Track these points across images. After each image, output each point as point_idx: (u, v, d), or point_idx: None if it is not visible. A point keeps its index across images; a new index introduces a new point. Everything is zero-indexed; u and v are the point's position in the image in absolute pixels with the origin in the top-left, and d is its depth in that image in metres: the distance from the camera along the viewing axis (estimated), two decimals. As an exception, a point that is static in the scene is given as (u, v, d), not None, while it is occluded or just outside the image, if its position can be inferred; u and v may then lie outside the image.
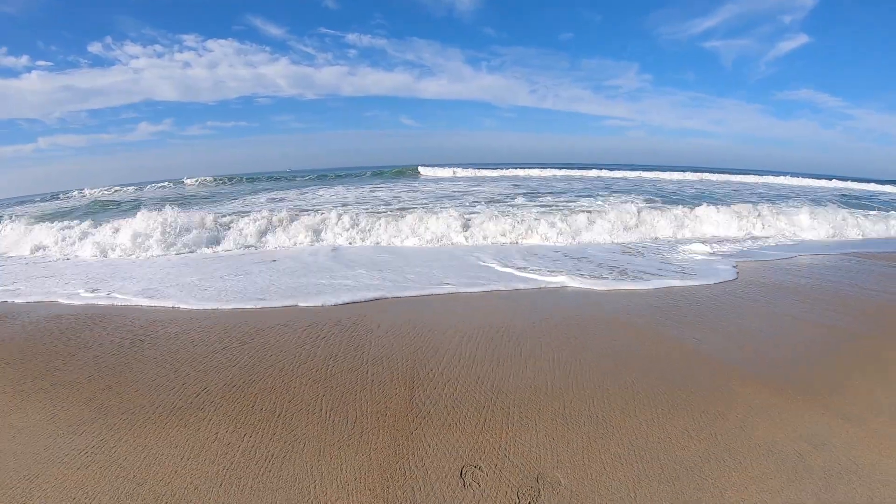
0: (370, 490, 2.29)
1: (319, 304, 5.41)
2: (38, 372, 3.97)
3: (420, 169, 37.87)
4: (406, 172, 36.68)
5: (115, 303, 5.91)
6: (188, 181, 37.49)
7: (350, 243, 9.61)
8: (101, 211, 18.65)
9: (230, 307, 5.47)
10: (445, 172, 35.66)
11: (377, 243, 9.61)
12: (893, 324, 4.72)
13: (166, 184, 36.77)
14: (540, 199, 16.60)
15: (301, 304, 5.49)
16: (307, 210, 12.08)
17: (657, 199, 16.55)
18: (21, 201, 31.53)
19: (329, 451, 2.62)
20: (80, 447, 2.85)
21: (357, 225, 10.21)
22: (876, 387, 3.38)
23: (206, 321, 5.01)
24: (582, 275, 6.45)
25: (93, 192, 33.47)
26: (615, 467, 2.42)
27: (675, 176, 34.59)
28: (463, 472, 2.37)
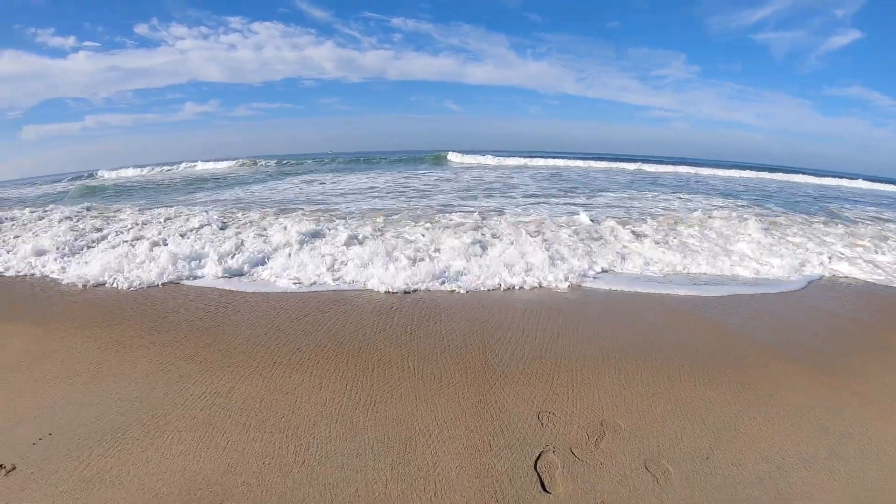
0: (465, 426, 3.01)
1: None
2: (135, 332, 4.72)
3: (455, 156, 38.13)
4: (442, 158, 37.25)
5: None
6: (184, 165, 38.81)
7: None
8: (78, 196, 19.51)
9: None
10: (488, 160, 35.85)
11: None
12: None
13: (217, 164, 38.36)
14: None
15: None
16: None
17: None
18: (56, 179, 33.31)
19: (424, 398, 3.34)
20: (196, 393, 3.58)
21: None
22: (889, 373, 4.01)
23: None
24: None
25: (129, 172, 35.27)
26: (665, 419, 3.11)
27: (725, 173, 33.23)
28: (540, 416, 3.08)
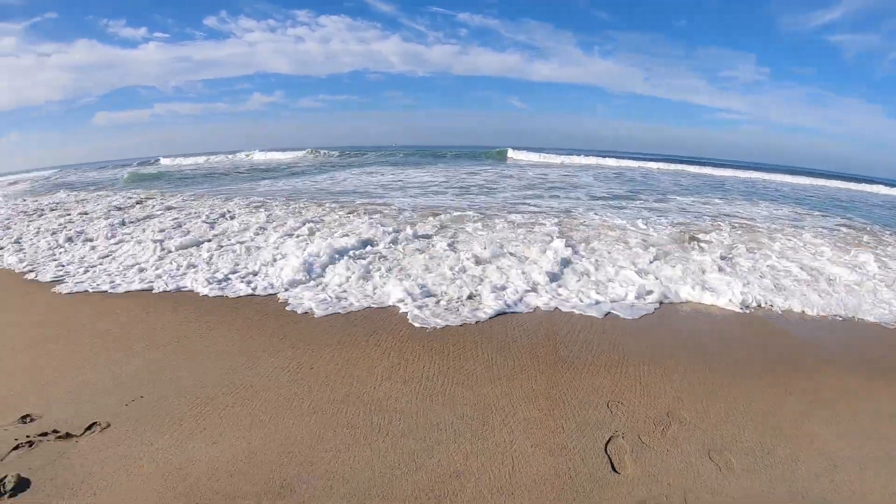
0: (538, 410, 3.32)
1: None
2: (214, 310, 5.20)
3: (517, 153, 38.33)
4: (504, 155, 37.70)
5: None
6: (244, 154, 40.90)
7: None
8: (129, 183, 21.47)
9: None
10: (551, 159, 35.87)
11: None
12: None
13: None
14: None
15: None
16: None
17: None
18: (126, 163, 36.45)
19: (499, 381, 3.68)
20: (280, 366, 4.01)
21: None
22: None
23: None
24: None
25: (187, 160, 38.15)
26: (728, 415, 3.35)
27: (794, 179, 30.61)
28: (609, 405, 3.36)
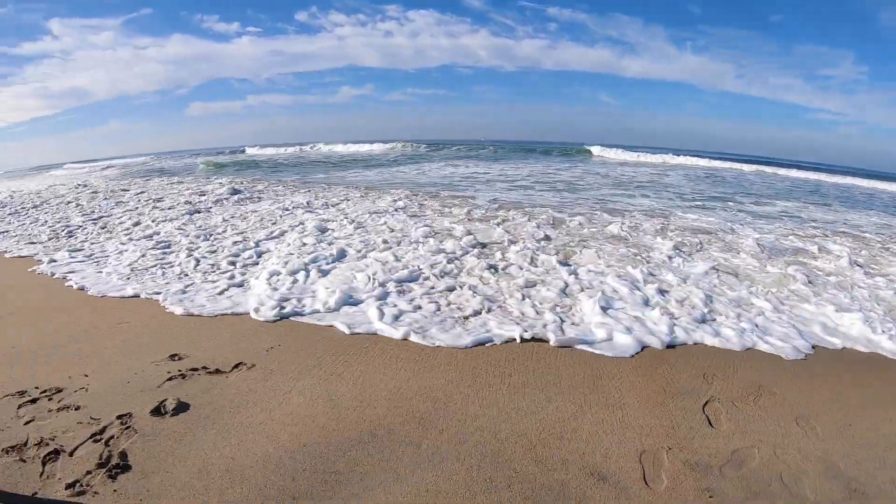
0: (642, 376, 3.96)
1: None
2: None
3: (605, 151, 38.47)
4: (591, 152, 38.00)
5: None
6: (325, 146, 43.70)
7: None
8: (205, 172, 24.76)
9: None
10: (640, 157, 36.09)
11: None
12: None
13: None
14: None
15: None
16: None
17: None
18: (220, 151, 40.32)
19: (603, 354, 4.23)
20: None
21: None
22: None
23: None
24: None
25: (268, 151, 41.47)
26: (814, 392, 3.85)
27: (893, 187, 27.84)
28: (705, 376, 3.90)
